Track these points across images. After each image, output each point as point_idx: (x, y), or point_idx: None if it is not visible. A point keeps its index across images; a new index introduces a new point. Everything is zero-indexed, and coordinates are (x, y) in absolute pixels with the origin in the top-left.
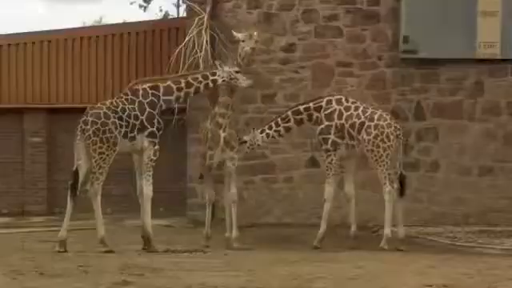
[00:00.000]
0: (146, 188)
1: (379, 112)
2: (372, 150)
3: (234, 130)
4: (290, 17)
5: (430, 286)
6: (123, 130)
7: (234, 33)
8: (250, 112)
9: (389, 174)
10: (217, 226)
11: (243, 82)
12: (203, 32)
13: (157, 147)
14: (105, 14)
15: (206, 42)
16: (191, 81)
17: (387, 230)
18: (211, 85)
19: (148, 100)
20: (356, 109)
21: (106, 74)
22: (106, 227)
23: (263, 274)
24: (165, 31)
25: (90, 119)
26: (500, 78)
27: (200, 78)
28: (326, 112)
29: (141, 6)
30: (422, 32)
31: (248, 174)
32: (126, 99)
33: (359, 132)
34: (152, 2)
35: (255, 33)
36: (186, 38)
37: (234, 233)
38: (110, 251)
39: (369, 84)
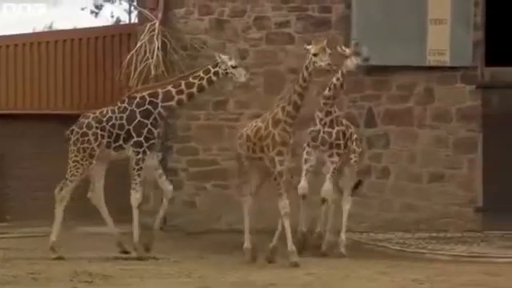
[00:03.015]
0: (133, 196)
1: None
2: (356, 161)
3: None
4: (241, 23)
5: None
6: (105, 140)
7: (305, 45)
8: (202, 119)
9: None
10: (168, 232)
11: (240, 77)
12: (155, 38)
13: (139, 156)
14: (55, 20)
15: (158, 48)
16: (192, 80)
17: (343, 236)
18: (214, 78)
19: (142, 109)
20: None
21: (57, 80)
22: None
23: (215, 280)
24: (116, 37)
25: (74, 128)
26: (450, 85)
27: (202, 74)
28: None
29: (92, 12)
30: (373, 39)
31: (200, 181)
32: (119, 108)
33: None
34: (103, 8)
35: (325, 42)
36: (138, 44)
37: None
38: (60, 258)
39: (321, 90)
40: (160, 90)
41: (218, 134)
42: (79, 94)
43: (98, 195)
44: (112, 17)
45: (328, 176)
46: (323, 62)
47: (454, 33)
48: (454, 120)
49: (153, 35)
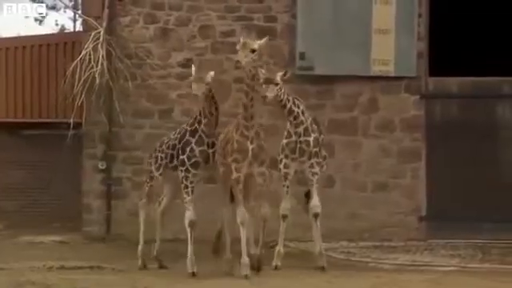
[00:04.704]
0: (185, 216)
1: None
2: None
3: (262, 142)
4: (186, 32)
5: None
6: (164, 161)
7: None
8: (148, 127)
9: None
10: (112, 242)
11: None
12: (99, 47)
13: (183, 174)
14: None
15: (103, 56)
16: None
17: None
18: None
19: (192, 128)
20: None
21: (0, 89)
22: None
23: None
24: (60, 45)
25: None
26: (394, 95)
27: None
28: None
29: (36, 20)
30: (318, 49)
31: None
32: (181, 128)
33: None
34: (48, 16)
35: (249, 41)
36: (82, 53)
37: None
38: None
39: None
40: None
41: None
42: (22, 102)
43: (161, 212)
44: (57, 25)
45: (315, 191)
46: (239, 58)
47: (398, 43)
48: (398, 129)
49: (97, 43)
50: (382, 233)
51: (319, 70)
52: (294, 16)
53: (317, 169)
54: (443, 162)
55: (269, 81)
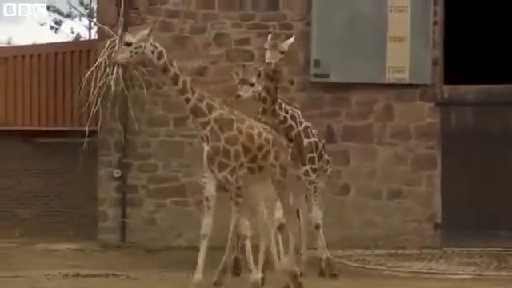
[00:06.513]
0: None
1: None
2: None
3: (217, 143)
4: (201, 40)
5: None
6: None
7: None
8: (163, 135)
9: None
10: (127, 249)
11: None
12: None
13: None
14: (14, 35)
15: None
16: None
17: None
18: None
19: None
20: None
21: (16, 96)
22: (15, 251)
23: None
24: (76, 53)
25: None
26: (409, 103)
27: None
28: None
29: (52, 28)
30: (333, 56)
31: (160, 197)
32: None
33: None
34: (63, 24)
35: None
36: (98, 60)
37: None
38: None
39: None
40: None
41: (179, 150)
42: (38, 110)
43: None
44: (72, 33)
45: (314, 200)
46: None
47: (414, 50)
48: (414, 137)
49: (113, 51)
50: (396, 240)
51: (334, 78)
52: (308, 23)
53: (313, 176)
54: (458, 169)
55: (244, 81)
